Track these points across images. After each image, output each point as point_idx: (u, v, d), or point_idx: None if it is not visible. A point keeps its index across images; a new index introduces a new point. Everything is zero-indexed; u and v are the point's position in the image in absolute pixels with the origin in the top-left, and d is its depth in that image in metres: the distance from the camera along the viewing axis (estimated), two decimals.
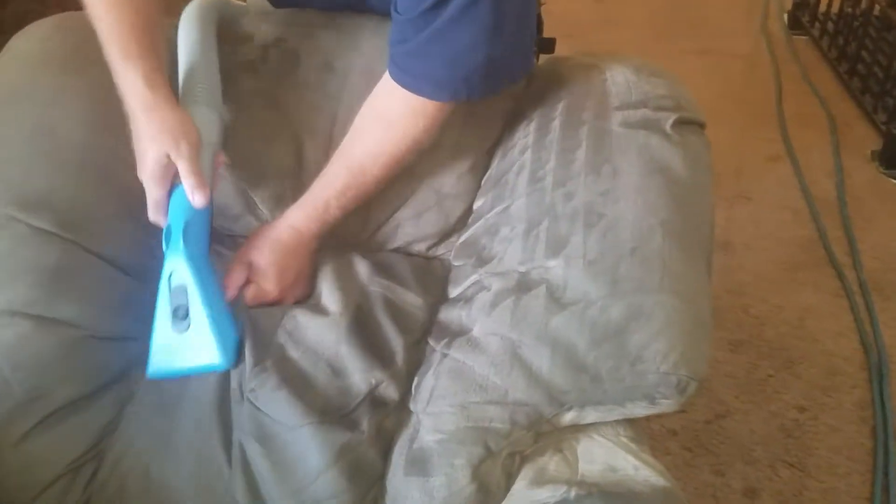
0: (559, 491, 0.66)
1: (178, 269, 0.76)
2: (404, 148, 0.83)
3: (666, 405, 0.71)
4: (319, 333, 0.79)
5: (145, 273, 0.83)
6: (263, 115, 0.92)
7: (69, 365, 0.75)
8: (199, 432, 0.75)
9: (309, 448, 0.70)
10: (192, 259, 0.76)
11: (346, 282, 0.86)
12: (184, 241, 0.75)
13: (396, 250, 0.97)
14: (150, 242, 0.84)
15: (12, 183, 0.76)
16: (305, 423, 0.71)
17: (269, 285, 0.83)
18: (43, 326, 0.74)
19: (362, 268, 0.88)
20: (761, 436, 1.31)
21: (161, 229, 0.78)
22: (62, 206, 0.77)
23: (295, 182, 0.92)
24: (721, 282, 1.58)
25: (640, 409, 0.72)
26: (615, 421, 0.75)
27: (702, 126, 0.85)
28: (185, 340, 0.76)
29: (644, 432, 0.77)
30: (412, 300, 0.86)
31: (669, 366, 0.68)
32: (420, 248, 0.97)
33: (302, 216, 0.86)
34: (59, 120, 0.80)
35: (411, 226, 0.95)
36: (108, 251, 0.80)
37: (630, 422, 0.75)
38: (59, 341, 0.75)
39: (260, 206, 0.94)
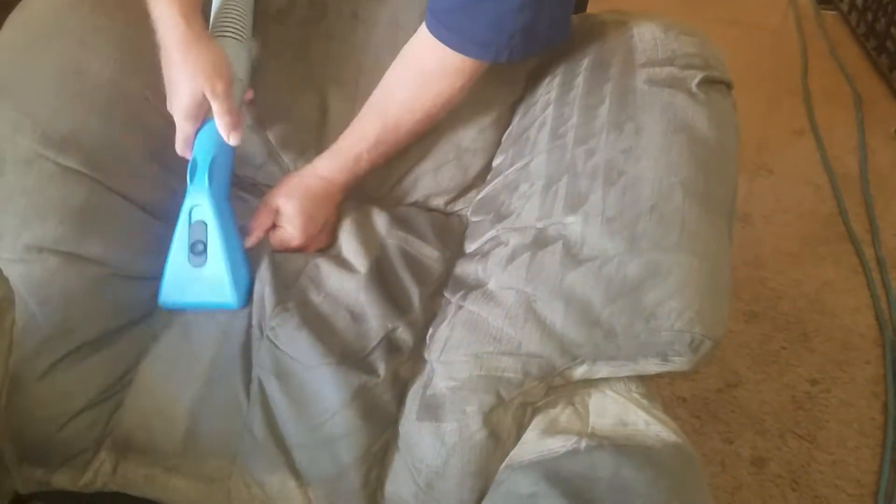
0: (570, 441, 0.66)
1: (199, 205, 0.77)
2: (439, 104, 0.84)
3: (679, 363, 0.72)
4: (340, 281, 0.80)
5: (170, 216, 0.83)
6: (290, 64, 0.92)
7: (95, 302, 0.76)
8: (221, 368, 0.76)
9: (326, 387, 0.72)
10: (215, 196, 0.78)
11: (366, 234, 0.87)
12: (209, 177, 0.77)
13: (415, 204, 0.97)
14: (175, 186, 0.84)
15: (40, 120, 0.76)
16: (324, 363, 0.72)
17: (294, 232, 0.84)
18: (70, 263, 0.75)
19: (381, 220, 0.89)
20: (772, 406, 1.31)
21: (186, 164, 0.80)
22: (90, 146, 0.78)
23: (319, 132, 0.93)
24: (739, 254, 1.57)
25: (652, 366, 0.72)
26: (627, 377, 0.75)
27: (729, 86, 0.84)
28: (199, 276, 0.78)
29: (656, 390, 0.77)
30: (429, 253, 0.87)
31: (684, 323, 0.68)
32: (438, 202, 0.97)
33: (332, 167, 0.86)
34: (89, 60, 0.80)
35: (430, 179, 0.96)
36: (133, 192, 0.81)
37: (642, 379, 0.76)
38: (86, 278, 0.76)
39: (283, 156, 0.94)
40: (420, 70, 0.83)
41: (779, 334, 1.43)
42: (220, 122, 0.77)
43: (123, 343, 0.78)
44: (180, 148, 0.80)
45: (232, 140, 0.78)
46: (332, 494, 0.71)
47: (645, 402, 0.73)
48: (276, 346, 0.75)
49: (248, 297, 0.79)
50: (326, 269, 0.82)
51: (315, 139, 0.92)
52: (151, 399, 0.77)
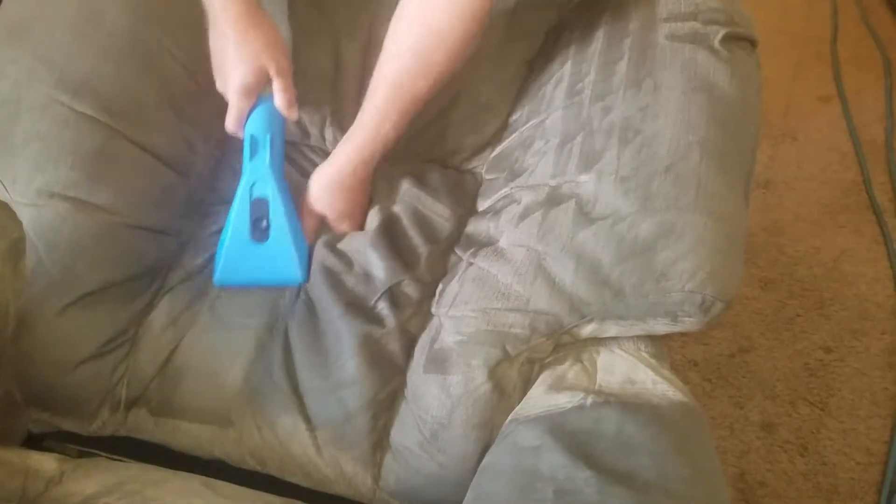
0: (576, 397, 0.67)
1: (261, 182, 0.78)
2: (453, 58, 0.81)
3: (689, 323, 0.71)
4: (351, 238, 0.82)
5: (184, 167, 0.84)
6: (304, 13, 0.91)
7: (102, 250, 0.77)
8: (241, 319, 0.79)
9: (336, 336, 0.74)
10: (276, 173, 0.78)
11: (380, 192, 0.88)
12: (269, 154, 0.77)
13: (430, 161, 0.97)
14: (189, 135, 0.84)
15: (56, 65, 0.76)
16: (335, 314, 0.74)
17: (345, 227, 0.85)
18: (80, 210, 0.75)
19: (395, 178, 0.89)
20: (784, 373, 1.31)
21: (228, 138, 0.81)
22: (105, 92, 0.77)
23: (333, 86, 0.92)
24: (759, 220, 1.55)
25: (661, 326, 0.72)
26: (637, 337, 0.75)
27: (753, 44, 0.82)
28: (262, 252, 0.78)
29: (665, 349, 0.77)
30: (440, 211, 0.87)
31: (696, 284, 0.68)
32: (454, 161, 0.96)
33: (362, 159, 0.84)
34: (106, 5, 0.80)
35: (446, 138, 0.95)
36: (148, 141, 0.81)
37: (651, 338, 0.76)
38: (95, 226, 0.76)
39: (300, 112, 0.94)
40: (429, 26, 0.79)
41: (794, 301, 1.41)
42: (282, 98, 0.78)
43: (130, 296, 0.79)
44: (233, 125, 0.80)
45: (293, 115, 0.79)
46: (339, 438, 0.73)
47: (653, 361, 0.73)
48: (300, 294, 0.77)
49: (308, 272, 0.80)
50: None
51: (330, 92, 0.91)
52: (161, 354, 0.79)
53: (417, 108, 0.84)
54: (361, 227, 0.86)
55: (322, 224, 0.85)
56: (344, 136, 0.85)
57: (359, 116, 0.84)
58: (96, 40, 0.80)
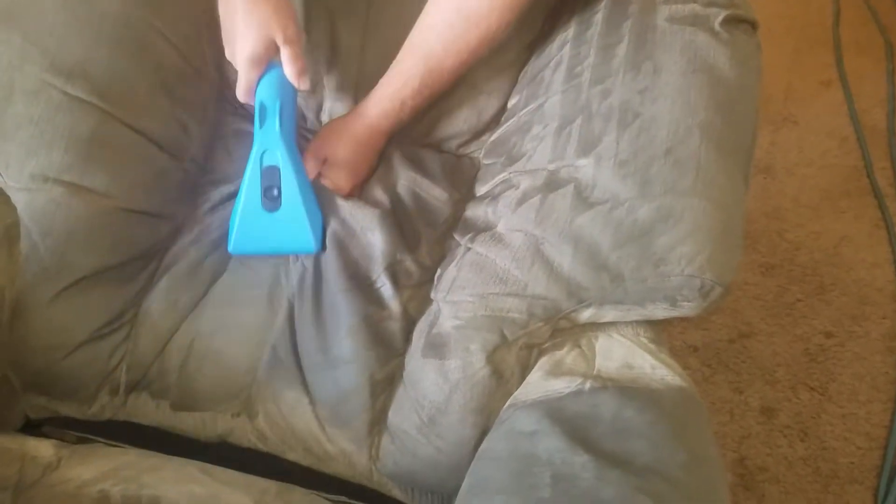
0: (574, 382, 0.66)
1: (271, 150, 0.76)
2: (485, 43, 0.81)
3: (688, 308, 0.71)
4: (355, 214, 0.81)
5: (179, 150, 0.83)
6: None
7: (98, 234, 0.76)
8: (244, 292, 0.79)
9: (336, 313, 0.74)
10: (286, 141, 0.76)
11: (381, 173, 0.87)
12: (279, 122, 0.76)
13: (428, 146, 0.96)
14: (183, 118, 0.84)
15: (48, 49, 0.75)
16: (338, 287, 0.75)
17: (341, 181, 0.84)
18: (75, 194, 0.75)
19: (394, 160, 0.88)
20: (784, 358, 1.31)
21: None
22: (98, 76, 0.77)
23: (329, 66, 0.91)
24: (759, 205, 1.54)
25: (660, 311, 0.72)
26: (636, 322, 0.75)
27: (754, 26, 0.81)
28: (275, 222, 0.77)
29: (664, 335, 0.77)
30: (438, 194, 0.86)
31: (695, 269, 0.67)
32: (451, 145, 0.96)
33: (378, 114, 0.85)
34: None
35: (444, 122, 0.94)
36: (142, 124, 0.80)
37: (650, 324, 0.75)
38: (90, 210, 0.76)
39: None
40: (464, 9, 0.79)
41: (794, 287, 1.41)
42: (291, 68, 0.76)
43: (125, 279, 0.79)
44: (243, 95, 0.78)
45: (303, 84, 0.77)
46: (337, 416, 0.73)
47: (652, 346, 0.72)
48: (304, 267, 0.78)
49: (323, 240, 0.79)
50: (341, 202, 0.82)
51: (325, 73, 0.91)
52: (162, 338, 0.78)
53: (440, 84, 0.84)
54: (359, 188, 0.86)
55: (319, 169, 0.84)
56: (366, 99, 0.86)
57: (384, 82, 0.84)
58: (88, 23, 0.79)
